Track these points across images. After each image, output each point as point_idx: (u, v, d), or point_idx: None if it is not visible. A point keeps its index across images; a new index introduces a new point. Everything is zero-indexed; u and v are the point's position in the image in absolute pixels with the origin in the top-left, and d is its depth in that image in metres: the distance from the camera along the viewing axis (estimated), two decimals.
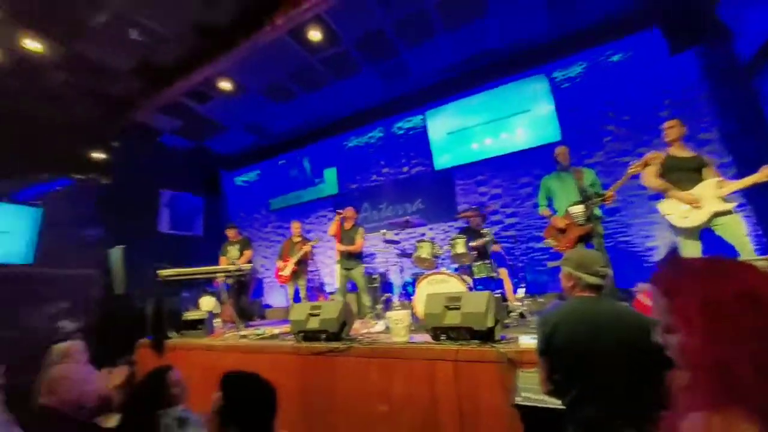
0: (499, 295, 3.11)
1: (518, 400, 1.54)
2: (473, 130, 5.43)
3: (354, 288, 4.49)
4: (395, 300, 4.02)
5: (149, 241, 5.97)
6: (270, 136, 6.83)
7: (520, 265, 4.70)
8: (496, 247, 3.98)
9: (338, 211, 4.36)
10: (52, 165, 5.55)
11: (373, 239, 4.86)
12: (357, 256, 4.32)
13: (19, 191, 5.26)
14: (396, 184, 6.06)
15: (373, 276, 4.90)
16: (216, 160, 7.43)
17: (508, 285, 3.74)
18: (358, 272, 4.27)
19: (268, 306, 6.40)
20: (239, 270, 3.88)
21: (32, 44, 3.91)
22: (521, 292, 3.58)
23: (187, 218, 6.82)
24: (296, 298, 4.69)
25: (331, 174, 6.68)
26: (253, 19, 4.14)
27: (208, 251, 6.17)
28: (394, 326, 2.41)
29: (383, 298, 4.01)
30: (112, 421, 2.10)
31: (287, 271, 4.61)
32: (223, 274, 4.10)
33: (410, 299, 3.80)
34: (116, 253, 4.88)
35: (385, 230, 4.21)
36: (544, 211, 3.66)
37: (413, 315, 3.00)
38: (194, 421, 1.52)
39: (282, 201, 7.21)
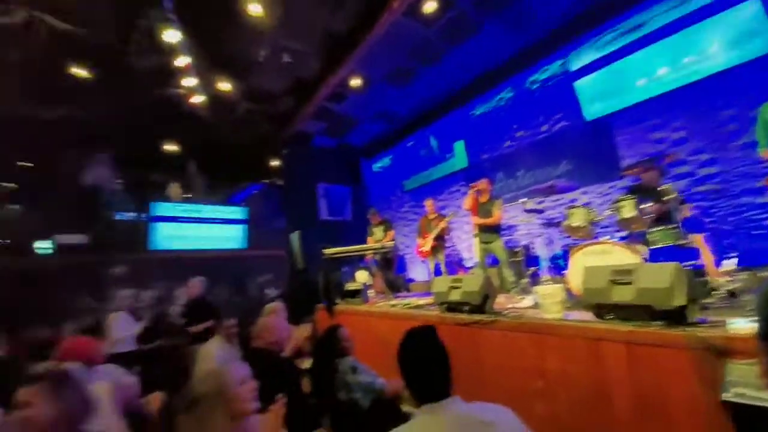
0: (693, 268, 2.42)
1: (728, 397, 1.20)
2: (637, 62, 4.28)
3: (495, 262, 4.33)
4: (543, 274, 3.68)
5: (314, 226, 7.26)
6: (397, 120, 7.15)
7: (726, 228, 3.52)
8: (683, 209, 3.09)
9: (472, 184, 4.24)
10: (249, 174, 7.44)
11: (512, 210, 4.53)
12: (495, 229, 4.13)
13: (232, 196, 7.32)
14: (534, 146, 5.41)
15: (515, 249, 4.60)
16: (356, 151, 8.33)
17: (707, 255, 2.86)
18: (497, 246, 4.08)
19: (411, 280, 6.89)
20: (384, 248, 4.30)
21: (223, 85, 5.21)
22: (729, 263, 2.69)
23: (339, 206, 7.95)
24: (437, 272, 4.87)
25: (459, 147, 6.51)
26: (371, 12, 4.36)
27: (356, 233, 6.98)
28: (544, 301, 2.21)
29: (529, 272, 3.72)
30: (306, 364, 2.72)
31: (427, 247, 4.83)
32: (371, 252, 4.62)
33: (561, 273, 3.40)
34: (295, 238, 6.15)
35: (525, 199, 3.86)
36: (766, 152, 2.61)
37: (567, 290, 2.68)
38: (362, 369, 1.83)
39: (414, 181, 7.50)
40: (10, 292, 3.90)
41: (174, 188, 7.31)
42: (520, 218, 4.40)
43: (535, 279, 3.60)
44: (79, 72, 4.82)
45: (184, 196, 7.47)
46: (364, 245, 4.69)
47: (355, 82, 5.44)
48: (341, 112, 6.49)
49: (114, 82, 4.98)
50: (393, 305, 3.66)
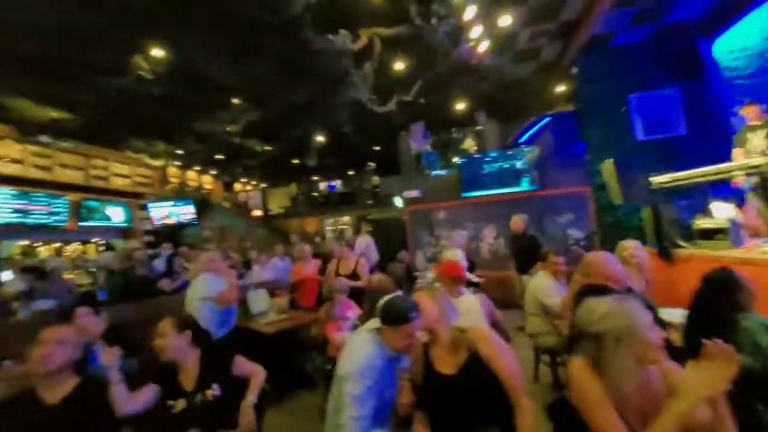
0: None
1: None
2: None
3: None
4: None
5: (628, 151, 5.84)
6: None
7: None
8: None
9: None
10: (537, 108, 7.03)
11: None
12: None
13: (521, 135, 7.22)
14: None
15: None
16: (687, 32, 5.72)
17: None
18: None
19: None
20: None
21: (504, 20, 4.99)
22: None
23: (661, 118, 5.92)
24: None
25: None
26: None
27: (694, 150, 5.22)
28: None
29: None
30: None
31: None
32: (742, 172, 3.12)
33: None
34: (608, 167, 5.17)
35: None
36: None
37: None
38: None
39: None
40: (382, 233, 6.02)
41: (468, 141, 8.18)
42: None
43: None
44: (398, 66, 6.22)
45: (476, 147, 8.21)
46: (727, 164, 3.24)
47: None
48: None
49: (421, 62, 6.00)
50: None
